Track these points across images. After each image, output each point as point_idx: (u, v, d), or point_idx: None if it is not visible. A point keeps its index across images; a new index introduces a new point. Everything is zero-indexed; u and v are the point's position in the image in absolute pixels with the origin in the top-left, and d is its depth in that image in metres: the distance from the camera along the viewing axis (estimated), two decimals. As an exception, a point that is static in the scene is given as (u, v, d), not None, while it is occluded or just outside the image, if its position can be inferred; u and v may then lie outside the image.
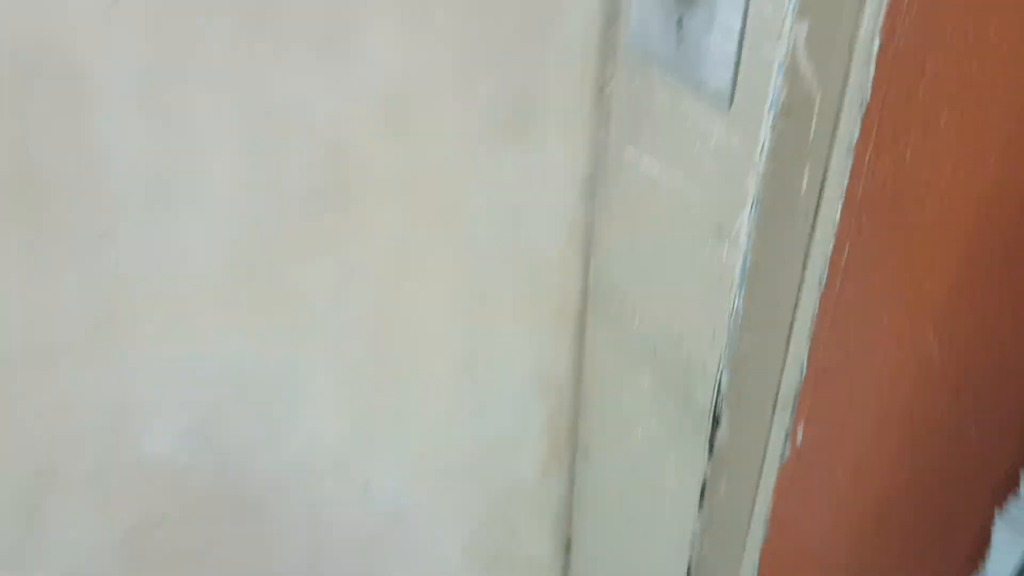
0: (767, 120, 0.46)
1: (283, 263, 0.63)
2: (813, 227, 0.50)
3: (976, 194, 0.51)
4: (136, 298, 0.61)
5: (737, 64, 0.47)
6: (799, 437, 0.57)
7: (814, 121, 0.46)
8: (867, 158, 0.46)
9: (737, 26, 0.46)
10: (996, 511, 0.59)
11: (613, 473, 0.76)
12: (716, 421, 0.56)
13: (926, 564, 0.70)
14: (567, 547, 0.89)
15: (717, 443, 0.57)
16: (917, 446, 0.63)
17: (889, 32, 0.45)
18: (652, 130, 0.57)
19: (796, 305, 0.52)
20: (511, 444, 0.80)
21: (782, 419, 0.57)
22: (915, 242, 0.52)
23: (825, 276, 0.50)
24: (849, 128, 0.46)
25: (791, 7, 0.43)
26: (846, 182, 0.47)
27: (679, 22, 0.51)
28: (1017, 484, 0.58)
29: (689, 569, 0.64)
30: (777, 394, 0.56)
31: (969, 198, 0.51)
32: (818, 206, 0.49)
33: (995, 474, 0.61)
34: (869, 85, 0.44)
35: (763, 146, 0.46)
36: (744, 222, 0.49)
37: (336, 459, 0.75)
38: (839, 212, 0.48)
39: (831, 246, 0.49)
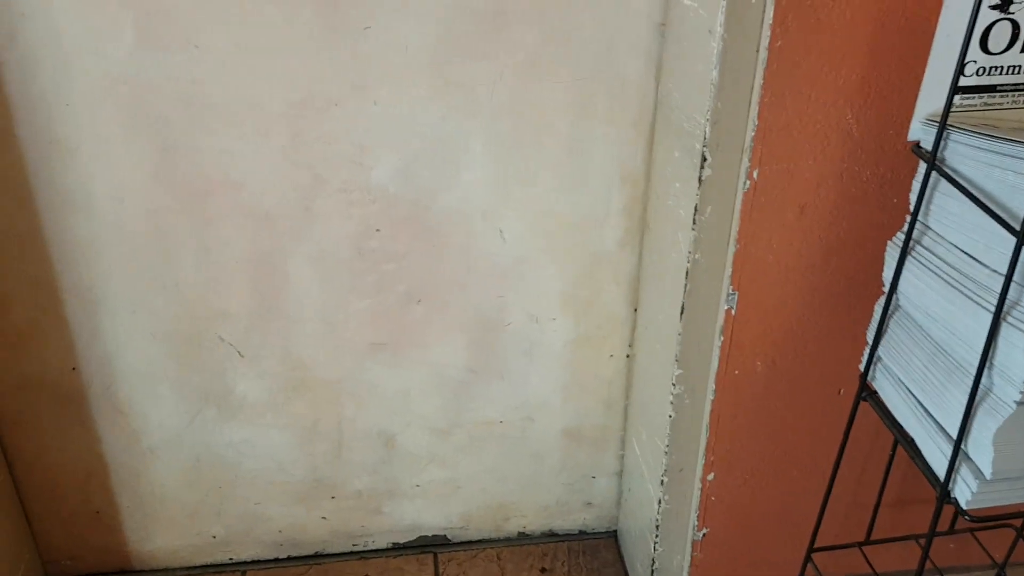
0: (731, -41, 0.81)
1: (462, 60, 1.04)
2: (760, 26, 0.84)
3: (873, 13, 0.83)
4: (377, 72, 1.04)
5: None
6: (756, 175, 0.91)
7: (756, -42, 0.80)
8: (790, -19, 0.80)
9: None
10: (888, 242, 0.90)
11: (660, 239, 1.11)
12: (704, 160, 0.92)
13: (859, 300, 1.01)
14: (635, 309, 1.26)
15: (704, 177, 0.93)
16: (849, 204, 0.94)
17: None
18: (688, -20, 0.92)
19: (753, 79, 0.87)
20: (599, 219, 1.18)
21: (744, 162, 0.91)
22: (829, 42, 0.83)
23: (766, 58, 0.84)
24: (777, -39, 0.80)
25: None
26: (776, -5, 0.81)
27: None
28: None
29: (687, 273, 0.99)
30: (742, 144, 0.91)
31: (867, 16, 0.83)
32: (763, 11, 0.83)
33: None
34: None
35: (730, -26, 0.81)
36: (720, 22, 0.84)
37: (483, 208, 1.15)
38: (773, 15, 0.82)
39: (769, 38, 0.83)
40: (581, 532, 1.49)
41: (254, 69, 1.01)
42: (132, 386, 1.22)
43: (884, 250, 0.94)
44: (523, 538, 1.48)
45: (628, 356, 1.30)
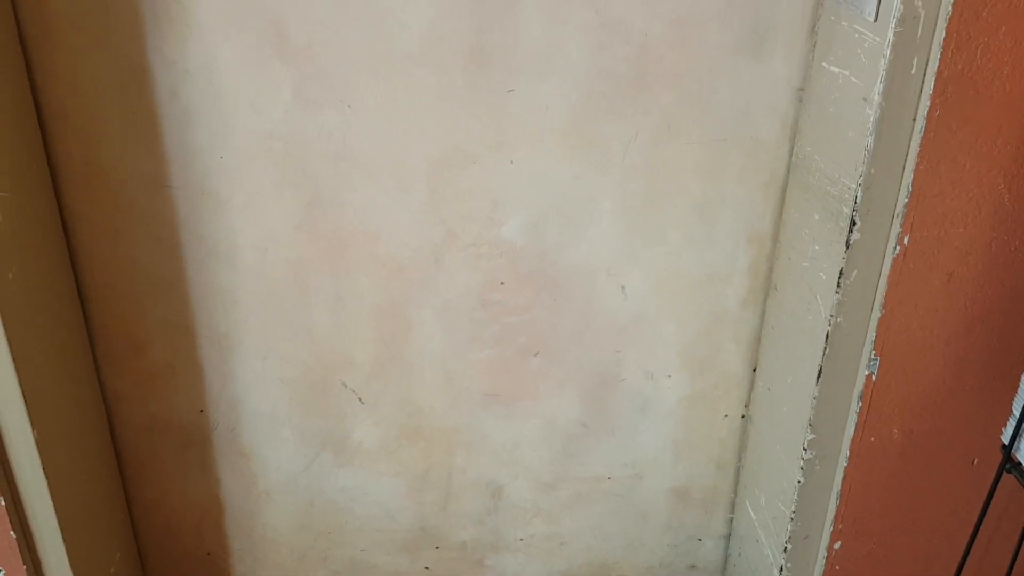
0: (892, 26, 0.81)
1: (598, 122, 1.06)
2: (919, 95, 0.84)
3: (1031, 84, 0.83)
4: (516, 132, 1.07)
5: (880, -1, 0.84)
6: (906, 241, 0.91)
7: (920, 27, 0.81)
8: (951, 52, 0.80)
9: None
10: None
11: (790, 300, 1.11)
12: (852, 225, 0.92)
13: (1001, 369, 0.99)
14: (754, 369, 1.25)
15: (851, 241, 0.92)
16: (997, 273, 0.93)
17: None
18: (836, 47, 0.93)
19: (907, 146, 0.87)
20: (723, 278, 1.18)
21: (895, 227, 0.91)
22: (987, 113, 0.83)
23: (924, 127, 0.84)
24: (940, 32, 0.80)
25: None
26: (937, 65, 0.81)
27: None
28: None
29: (827, 336, 0.98)
30: (893, 210, 0.90)
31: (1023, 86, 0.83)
32: (922, 81, 0.83)
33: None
34: (951, 7, 0.79)
35: (889, 41, 0.82)
36: (878, 91, 0.85)
37: (607, 264, 1.17)
38: (933, 85, 0.82)
39: (928, 108, 0.83)
40: (683, 594, 1.47)
41: (401, 128, 1.04)
42: (256, 429, 1.25)
43: (1032, 321, 0.92)
44: (624, 597, 1.46)
45: (743, 416, 1.29)
